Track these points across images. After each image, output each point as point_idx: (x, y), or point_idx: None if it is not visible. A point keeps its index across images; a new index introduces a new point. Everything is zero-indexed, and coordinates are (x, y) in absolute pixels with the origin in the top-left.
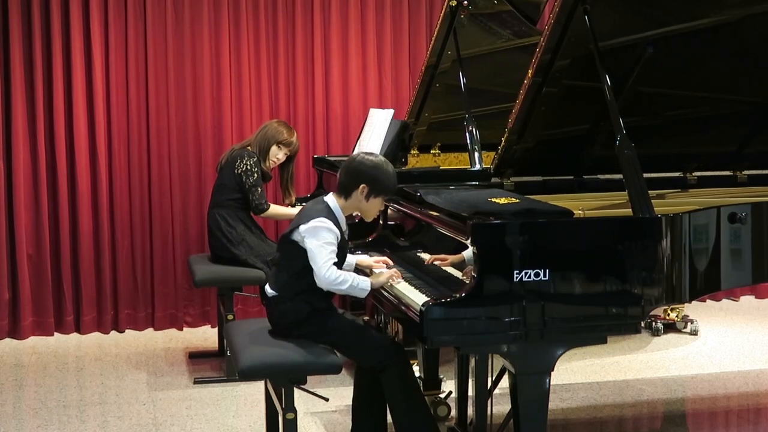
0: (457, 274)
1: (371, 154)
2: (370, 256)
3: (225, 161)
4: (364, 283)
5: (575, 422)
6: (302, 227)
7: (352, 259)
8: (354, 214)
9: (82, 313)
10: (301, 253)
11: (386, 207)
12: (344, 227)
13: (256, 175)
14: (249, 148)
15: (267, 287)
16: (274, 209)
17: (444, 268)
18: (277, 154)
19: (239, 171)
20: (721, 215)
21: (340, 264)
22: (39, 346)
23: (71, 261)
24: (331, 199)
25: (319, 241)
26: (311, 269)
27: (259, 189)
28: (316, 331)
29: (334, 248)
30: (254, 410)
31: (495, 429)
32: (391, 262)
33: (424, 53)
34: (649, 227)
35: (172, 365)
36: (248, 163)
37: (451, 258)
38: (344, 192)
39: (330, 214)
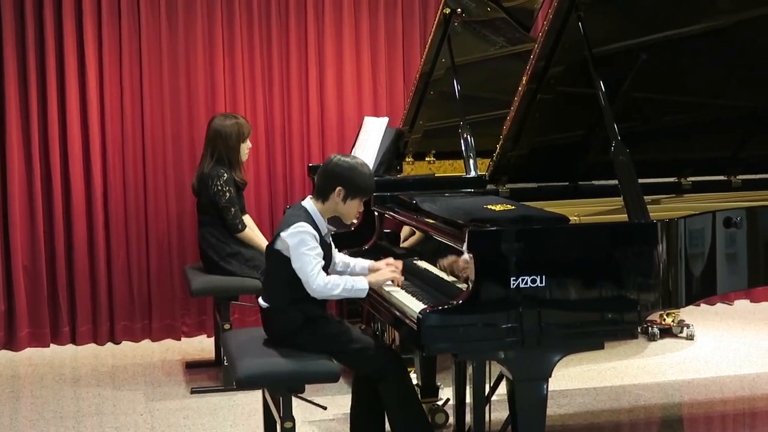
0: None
1: (347, 156)
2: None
3: (198, 184)
4: (360, 284)
5: (573, 428)
6: (283, 234)
7: (365, 263)
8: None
9: (78, 325)
10: (287, 261)
11: (381, 215)
12: (324, 230)
13: (228, 194)
14: (217, 165)
15: (260, 299)
16: (249, 233)
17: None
18: (246, 148)
19: (212, 192)
20: (717, 220)
21: (326, 266)
22: (35, 357)
23: (67, 272)
24: (308, 203)
25: (302, 248)
26: (299, 277)
27: (233, 209)
28: (312, 341)
29: (319, 251)
30: (252, 419)
31: None
32: (399, 264)
33: (418, 61)
34: (644, 232)
35: (169, 375)
36: (218, 183)
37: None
38: (321, 195)
39: (308, 218)
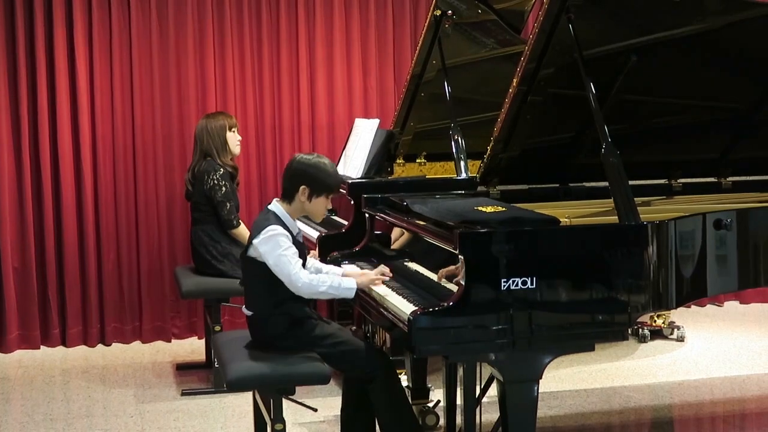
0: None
1: (310, 154)
2: (361, 268)
3: (193, 180)
4: (347, 283)
5: (563, 429)
6: (255, 241)
7: (338, 270)
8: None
9: (68, 326)
10: (263, 267)
11: (372, 217)
12: (295, 231)
13: (224, 189)
14: (208, 158)
15: (243, 308)
16: (244, 230)
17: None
18: (236, 139)
19: (207, 187)
20: (707, 222)
21: (302, 266)
22: (25, 359)
23: (57, 274)
24: (275, 206)
25: (278, 250)
26: (278, 280)
27: (228, 204)
28: (300, 343)
29: (294, 250)
30: (242, 421)
31: None
32: (387, 270)
33: (409, 63)
34: (635, 234)
35: (159, 377)
36: (214, 178)
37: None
38: (287, 196)
39: (278, 220)
